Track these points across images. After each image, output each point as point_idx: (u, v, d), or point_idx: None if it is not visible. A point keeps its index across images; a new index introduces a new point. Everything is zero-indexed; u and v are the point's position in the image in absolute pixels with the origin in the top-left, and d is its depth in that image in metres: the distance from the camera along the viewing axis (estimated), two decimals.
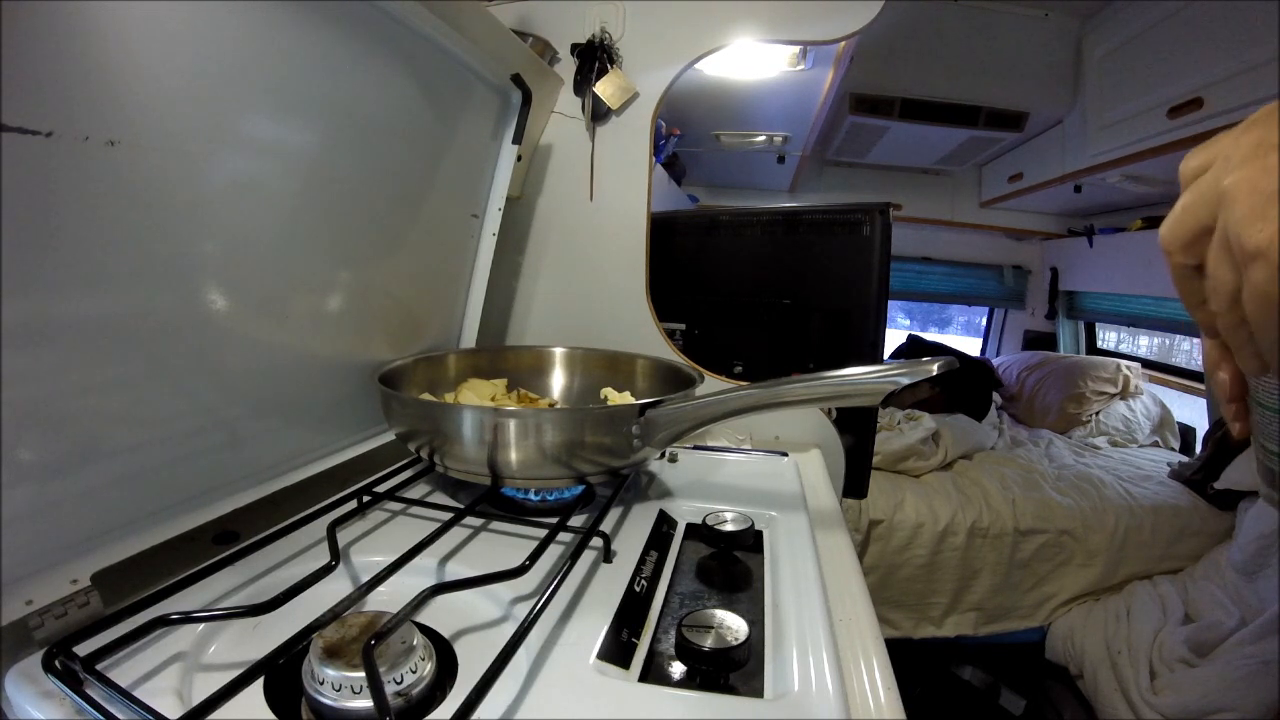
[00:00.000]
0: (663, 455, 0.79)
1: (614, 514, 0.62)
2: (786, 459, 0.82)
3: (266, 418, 0.59)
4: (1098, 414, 2.85)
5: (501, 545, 0.57)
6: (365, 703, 0.34)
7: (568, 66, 0.97)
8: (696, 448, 0.85)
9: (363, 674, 0.34)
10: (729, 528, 0.57)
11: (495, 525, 0.60)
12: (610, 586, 0.50)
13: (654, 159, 1.08)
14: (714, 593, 0.52)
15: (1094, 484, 2.17)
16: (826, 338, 1.14)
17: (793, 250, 1.15)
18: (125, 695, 0.35)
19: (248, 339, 0.54)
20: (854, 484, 1.05)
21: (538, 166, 1.02)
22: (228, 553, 0.49)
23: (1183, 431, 2.84)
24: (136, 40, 0.39)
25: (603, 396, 0.80)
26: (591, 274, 1.03)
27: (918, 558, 1.98)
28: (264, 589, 0.47)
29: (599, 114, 0.97)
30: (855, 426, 1.03)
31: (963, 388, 2.71)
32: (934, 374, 0.50)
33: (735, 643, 0.41)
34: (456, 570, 0.51)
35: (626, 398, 0.79)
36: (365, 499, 0.61)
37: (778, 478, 0.76)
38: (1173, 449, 2.76)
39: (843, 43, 1.33)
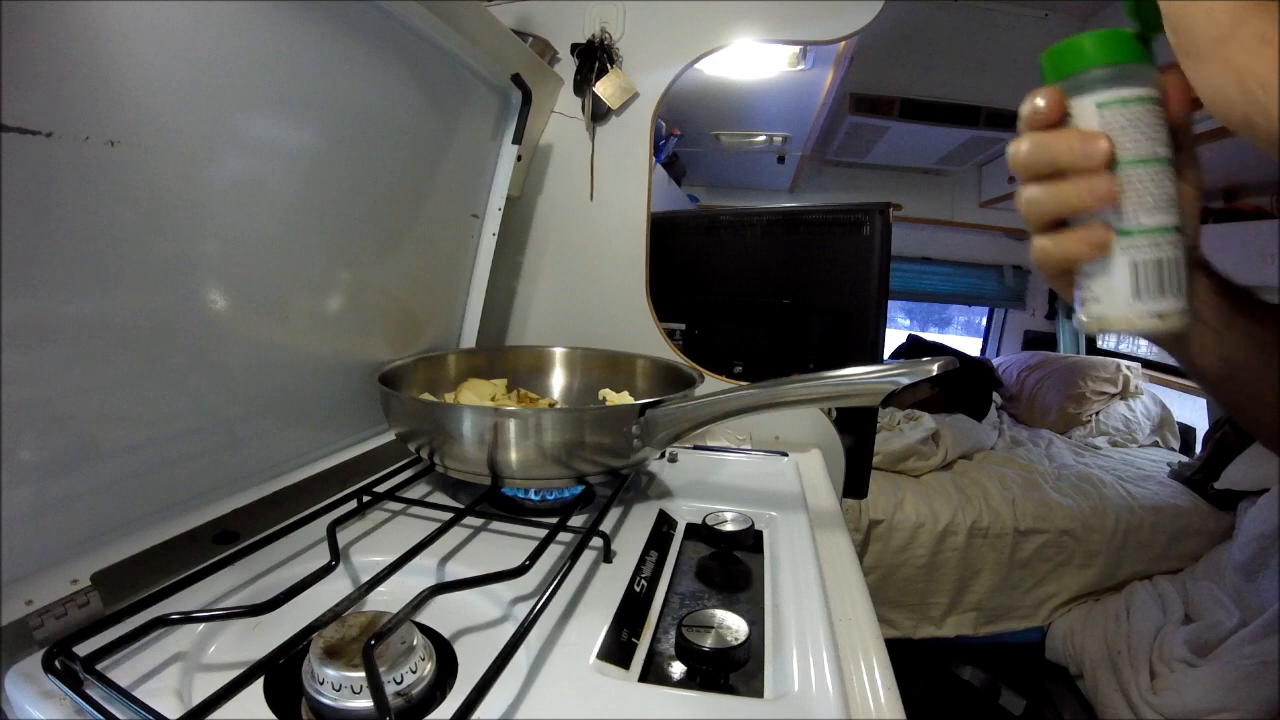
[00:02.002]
0: (663, 455, 0.79)
1: (614, 514, 0.62)
2: (786, 459, 0.82)
3: (267, 418, 0.59)
4: (1098, 414, 2.85)
5: (501, 545, 0.57)
6: (365, 703, 0.34)
7: (568, 66, 0.97)
8: (696, 448, 0.85)
9: (363, 674, 0.34)
10: (729, 528, 0.57)
11: (495, 525, 0.60)
12: (610, 586, 0.50)
13: (654, 159, 1.08)
14: (714, 593, 0.52)
15: (1094, 484, 2.17)
16: (826, 338, 1.14)
17: (793, 250, 1.15)
18: (125, 695, 0.34)
19: (248, 339, 0.54)
20: (854, 484, 1.05)
21: (538, 166, 1.02)
22: (228, 553, 0.49)
23: (1183, 431, 2.84)
24: (136, 40, 0.39)
25: (601, 398, 0.80)
26: (591, 274, 1.03)
27: (918, 558, 1.98)
28: (264, 589, 0.47)
29: (599, 114, 0.97)
30: (855, 426, 1.03)
31: (963, 388, 2.71)
32: (934, 374, 0.50)
33: (735, 643, 0.41)
34: (456, 570, 0.51)
35: (625, 398, 0.79)
36: (365, 499, 0.61)
37: (778, 478, 0.76)
38: (1173, 449, 2.76)
39: (843, 43, 1.33)
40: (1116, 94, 0.31)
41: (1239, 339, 0.38)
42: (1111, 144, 0.30)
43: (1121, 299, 0.31)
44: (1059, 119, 0.32)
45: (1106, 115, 0.31)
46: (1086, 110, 0.31)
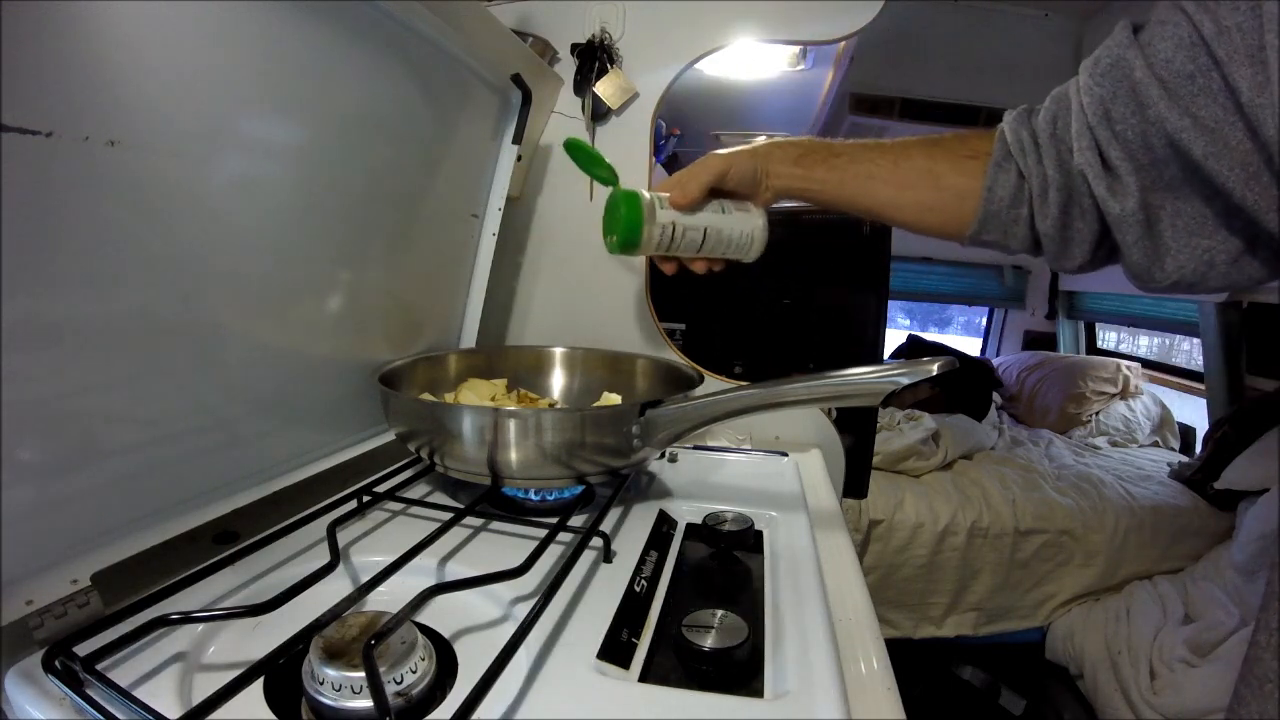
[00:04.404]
0: (663, 455, 0.79)
1: (614, 514, 0.62)
2: (786, 459, 0.82)
3: (267, 418, 0.59)
4: (1098, 414, 2.85)
5: (501, 545, 0.57)
6: (365, 703, 0.34)
7: (568, 66, 0.96)
8: (696, 448, 0.85)
9: (363, 674, 0.34)
10: (729, 528, 0.57)
11: (495, 525, 0.60)
12: (610, 586, 0.50)
13: (654, 159, 1.08)
14: (714, 593, 0.52)
15: (1094, 484, 2.17)
16: (826, 338, 1.14)
17: (793, 250, 1.15)
18: (125, 695, 0.35)
19: (248, 339, 0.54)
20: (854, 484, 1.05)
21: (538, 166, 1.02)
22: (228, 553, 0.49)
23: (1183, 431, 2.84)
24: (137, 40, 0.39)
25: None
26: (591, 274, 1.03)
27: (918, 558, 1.98)
28: (264, 589, 0.47)
29: (599, 114, 0.97)
30: (855, 426, 1.04)
31: (963, 388, 2.71)
32: (934, 374, 0.50)
33: (735, 643, 0.41)
34: (456, 570, 0.51)
35: (615, 399, 0.79)
36: (365, 499, 0.61)
37: (778, 478, 0.76)
38: (1173, 449, 2.76)
39: (843, 43, 1.33)
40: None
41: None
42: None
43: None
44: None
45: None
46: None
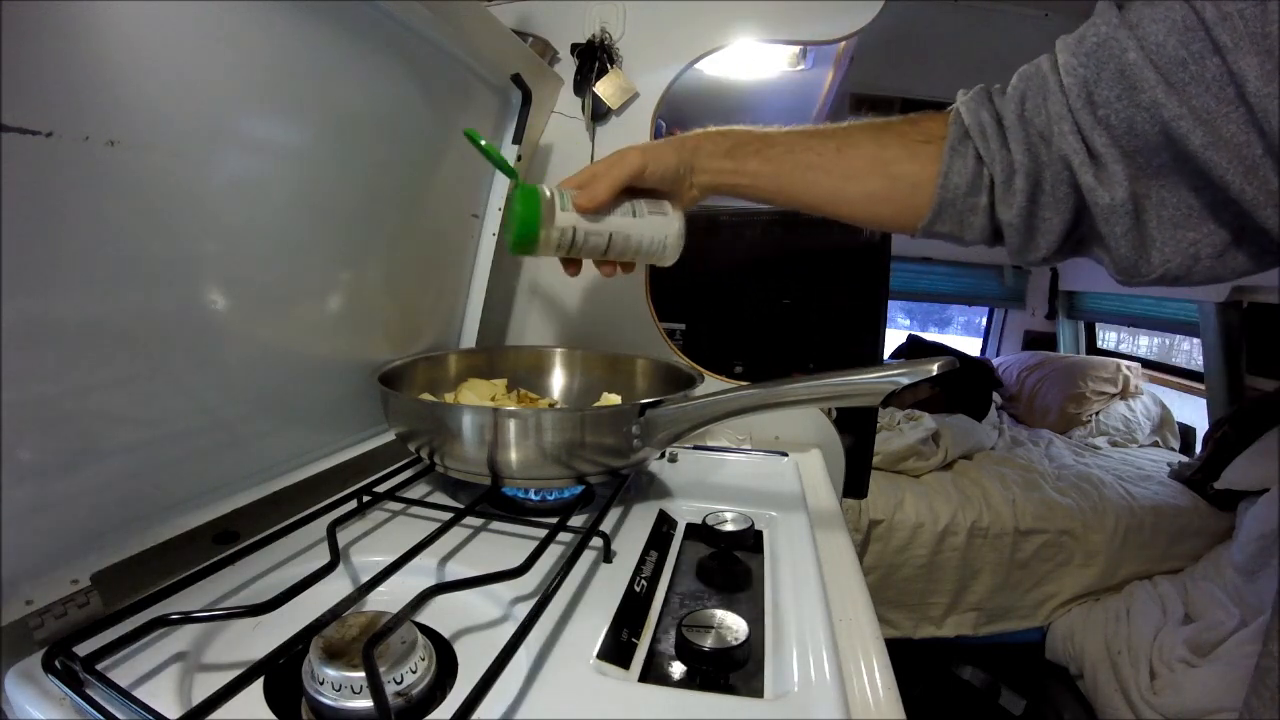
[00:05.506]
0: (663, 455, 0.79)
1: (614, 514, 0.62)
2: (786, 459, 0.82)
3: (266, 417, 0.59)
4: (1098, 414, 2.85)
5: (501, 545, 0.57)
6: (365, 703, 0.34)
7: (568, 66, 0.96)
8: (696, 448, 0.85)
9: (363, 674, 0.34)
10: (729, 528, 0.57)
11: (495, 525, 0.60)
12: (610, 586, 0.50)
13: None
14: (714, 593, 0.52)
15: (1094, 484, 2.17)
16: (826, 338, 1.14)
17: (793, 250, 1.15)
18: (125, 695, 0.35)
19: (248, 339, 0.54)
20: (854, 484, 1.05)
21: (538, 166, 1.01)
22: (228, 553, 0.49)
23: (1183, 431, 2.84)
24: (136, 40, 0.39)
25: None
26: (592, 274, 1.03)
27: (918, 558, 1.98)
28: (264, 589, 0.47)
29: (599, 114, 0.97)
30: (855, 426, 1.03)
31: (963, 388, 2.71)
32: (934, 374, 0.50)
33: (735, 643, 0.41)
34: (456, 570, 0.51)
35: (615, 399, 0.79)
36: (365, 499, 0.61)
37: (778, 478, 0.76)
38: (1173, 449, 2.76)
39: (843, 43, 1.33)
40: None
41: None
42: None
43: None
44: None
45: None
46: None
